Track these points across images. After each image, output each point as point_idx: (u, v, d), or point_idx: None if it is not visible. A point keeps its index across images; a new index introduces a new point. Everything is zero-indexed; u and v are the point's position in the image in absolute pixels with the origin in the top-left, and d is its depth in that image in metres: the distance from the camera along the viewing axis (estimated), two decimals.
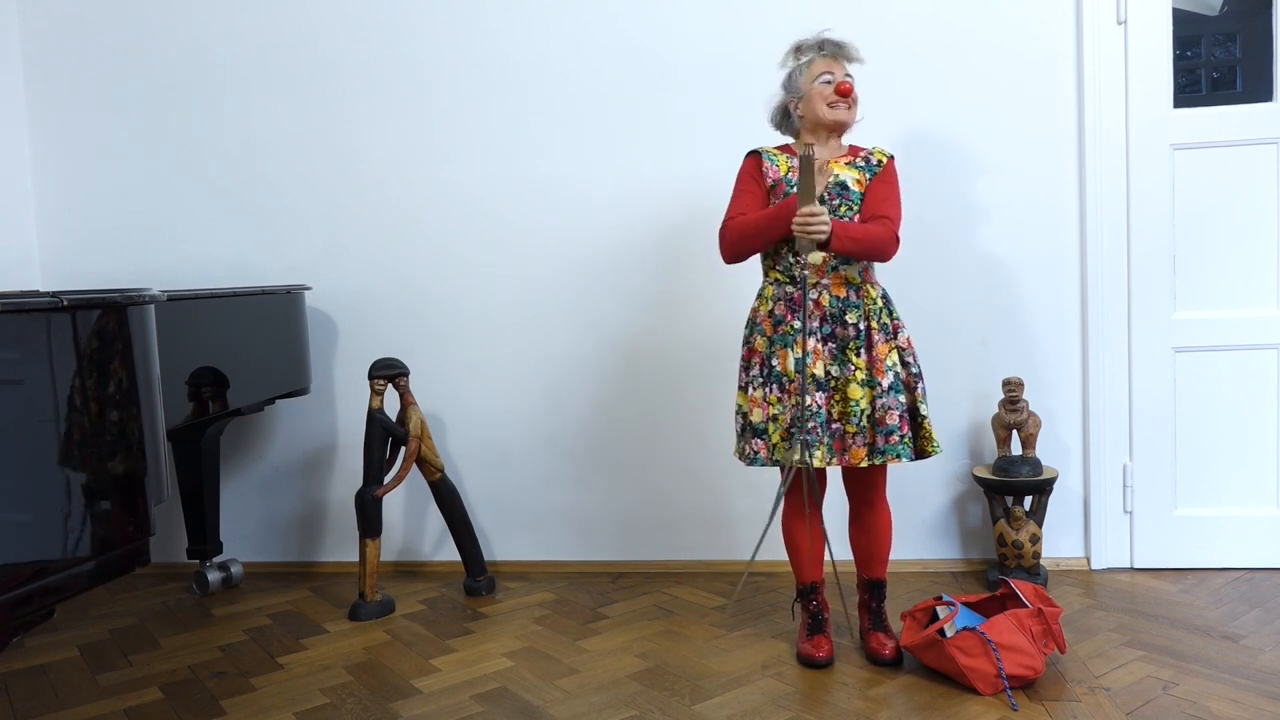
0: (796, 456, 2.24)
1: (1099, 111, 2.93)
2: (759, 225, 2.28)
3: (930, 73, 3.01)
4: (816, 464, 2.25)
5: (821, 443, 2.25)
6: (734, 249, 2.35)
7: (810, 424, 2.24)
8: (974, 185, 3.02)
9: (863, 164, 2.35)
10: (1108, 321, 2.98)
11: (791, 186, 2.30)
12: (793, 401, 2.26)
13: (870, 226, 2.26)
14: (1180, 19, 2.94)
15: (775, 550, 3.06)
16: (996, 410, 2.95)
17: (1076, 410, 3.04)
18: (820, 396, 2.26)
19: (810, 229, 2.14)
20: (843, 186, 2.31)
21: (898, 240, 2.30)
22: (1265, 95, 2.93)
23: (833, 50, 2.34)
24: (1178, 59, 2.95)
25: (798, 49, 2.37)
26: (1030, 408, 2.91)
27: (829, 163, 2.32)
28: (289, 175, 3.34)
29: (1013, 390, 2.87)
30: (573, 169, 3.18)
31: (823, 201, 2.29)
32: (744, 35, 3.06)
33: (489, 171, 3.23)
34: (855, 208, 2.30)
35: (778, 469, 2.44)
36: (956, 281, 3.04)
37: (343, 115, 3.29)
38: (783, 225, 2.23)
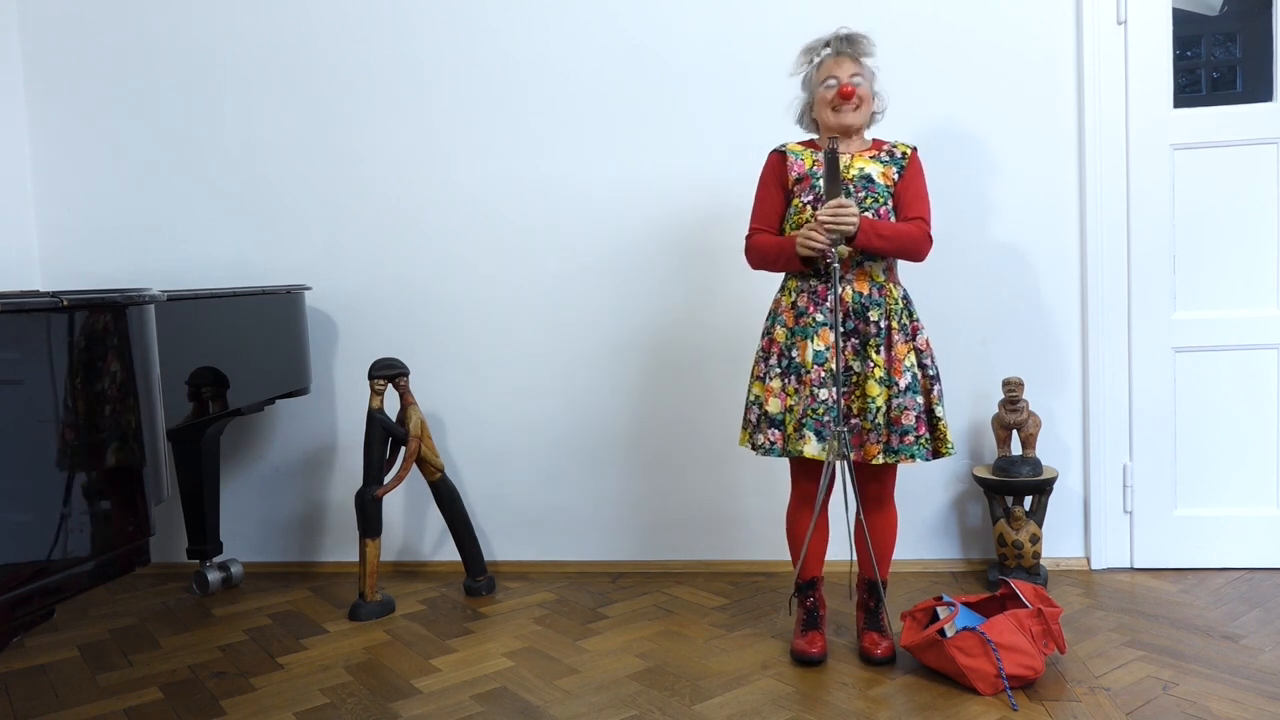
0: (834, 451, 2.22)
1: (1099, 111, 2.93)
2: (774, 254, 2.34)
3: (930, 73, 3.00)
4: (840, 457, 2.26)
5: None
6: (759, 266, 2.42)
7: (826, 418, 2.23)
8: (974, 185, 3.02)
9: (887, 158, 2.35)
10: (1108, 321, 2.98)
11: (817, 179, 2.30)
12: (807, 393, 2.26)
13: (901, 225, 2.27)
14: (1180, 19, 2.94)
15: (777, 550, 3.07)
16: (996, 410, 2.95)
17: (1076, 410, 3.04)
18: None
19: (840, 220, 2.15)
20: (868, 180, 2.30)
21: (930, 240, 2.33)
22: (1265, 95, 2.93)
23: (839, 48, 2.32)
24: (1178, 59, 2.95)
25: (807, 50, 2.37)
26: (1030, 408, 2.91)
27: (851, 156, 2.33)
28: (289, 175, 3.33)
29: (1013, 390, 2.87)
30: (573, 169, 3.18)
31: (848, 194, 2.28)
32: (744, 35, 3.06)
33: (489, 171, 3.23)
34: (882, 200, 2.29)
35: (786, 460, 2.42)
36: (957, 281, 3.04)
37: (343, 115, 3.29)
38: (789, 258, 2.29)
